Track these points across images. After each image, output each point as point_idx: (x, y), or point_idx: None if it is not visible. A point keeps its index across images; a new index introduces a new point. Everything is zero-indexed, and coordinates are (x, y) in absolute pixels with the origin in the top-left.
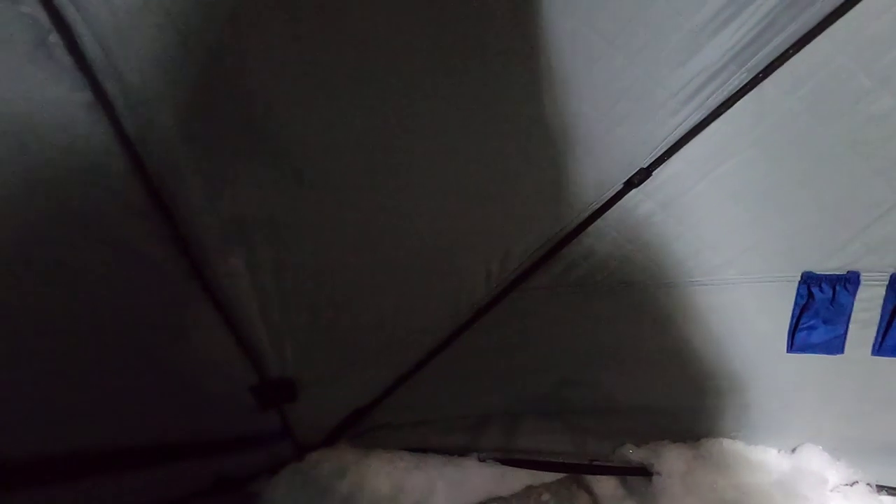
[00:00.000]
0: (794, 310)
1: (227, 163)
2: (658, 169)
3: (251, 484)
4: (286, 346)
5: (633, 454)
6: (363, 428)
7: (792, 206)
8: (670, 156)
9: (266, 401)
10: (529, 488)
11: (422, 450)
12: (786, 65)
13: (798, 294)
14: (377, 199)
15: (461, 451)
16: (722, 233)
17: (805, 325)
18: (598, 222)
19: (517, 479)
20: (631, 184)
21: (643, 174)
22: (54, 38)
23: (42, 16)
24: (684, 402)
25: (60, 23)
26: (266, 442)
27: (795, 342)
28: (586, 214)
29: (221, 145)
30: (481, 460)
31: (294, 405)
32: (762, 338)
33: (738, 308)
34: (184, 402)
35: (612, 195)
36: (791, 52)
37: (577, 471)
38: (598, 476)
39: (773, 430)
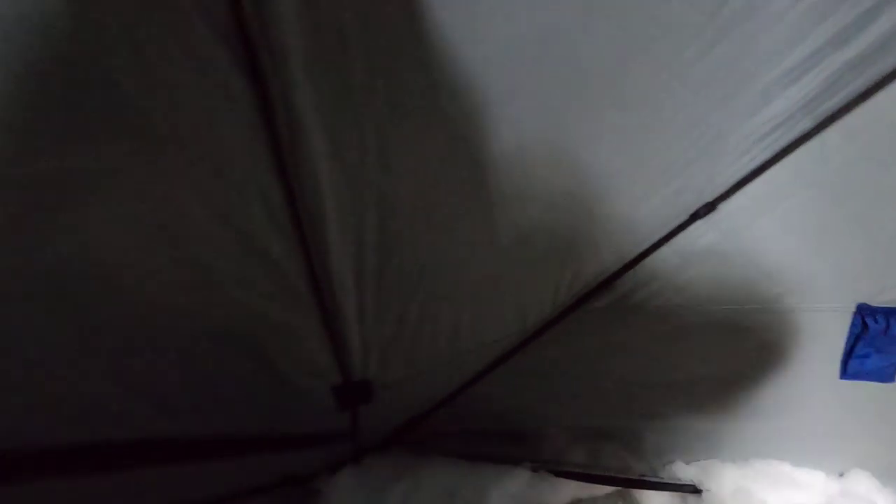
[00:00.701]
0: (847, 339)
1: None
2: (723, 203)
3: (314, 481)
4: (372, 351)
5: (683, 471)
6: (418, 434)
7: (849, 242)
8: (735, 191)
9: (346, 401)
10: (578, 501)
11: (475, 458)
12: (847, 116)
13: (853, 324)
14: (468, 219)
15: (514, 461)
16: (781, 264)
17: (858, 354)
18: (663, 248)
19: (567, 490)
20: (696, 215)
21: (708, 207)
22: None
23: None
24: (735, 423)
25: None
26: (331, 442)
27: (848, 369)
28: (652, 241)
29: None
30: (534, 471)
31: (363, 408)
32: (815, 364)
33: (793, 334)
34: (272, 396)
35: (677, 225)
36: (852, 105)
37: (627, 485)
38: (647, 491)
39: (822, 454)
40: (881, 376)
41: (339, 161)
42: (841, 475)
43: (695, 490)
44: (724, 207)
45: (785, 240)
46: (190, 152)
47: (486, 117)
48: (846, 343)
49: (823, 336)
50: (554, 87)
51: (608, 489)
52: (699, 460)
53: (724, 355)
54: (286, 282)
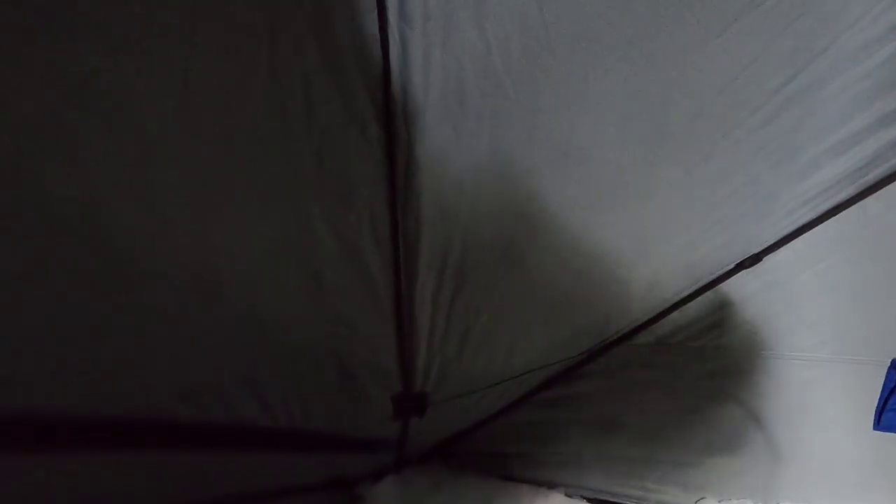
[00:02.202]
0: (882, 392)
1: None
2: (768, 256)
3: (357, 486)
4: (433, 366)
5: None
6: (458, 450)
7: (886, 300)
8: (780, 246)
9: (402, 411)
10: None
11: (510, 478)
12: (888, 186)
13: (887, 377)
14: (534, 259)
15: (549, 485)
16: (820, 316)
17: (892, 407)
18: (708, 293)
19: None
20: (742, 265)
21: (754, 259)
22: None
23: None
24: (766, 466)
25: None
26: (379, 450)
27: (882, 421)
28: (699, 286)
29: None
30: (568, 496)
31: (413, 420)
32: (849, 414)
33: (827, 384)
34: (341, 397)
35: (724, 272)
36: (893, 177)
37: None
38: None
39: (852, 503)
40: None
41: (439, 201)
42: None
43: None
44: (769, 260)
45: (825, 293)
46: (326, 171)
47: (562, 171)
48: (880, 396)
49: (859, 387)
50: (630, 144)
51: None
52: (730, 500)
53: (759, 399)
54: (376, 296)
